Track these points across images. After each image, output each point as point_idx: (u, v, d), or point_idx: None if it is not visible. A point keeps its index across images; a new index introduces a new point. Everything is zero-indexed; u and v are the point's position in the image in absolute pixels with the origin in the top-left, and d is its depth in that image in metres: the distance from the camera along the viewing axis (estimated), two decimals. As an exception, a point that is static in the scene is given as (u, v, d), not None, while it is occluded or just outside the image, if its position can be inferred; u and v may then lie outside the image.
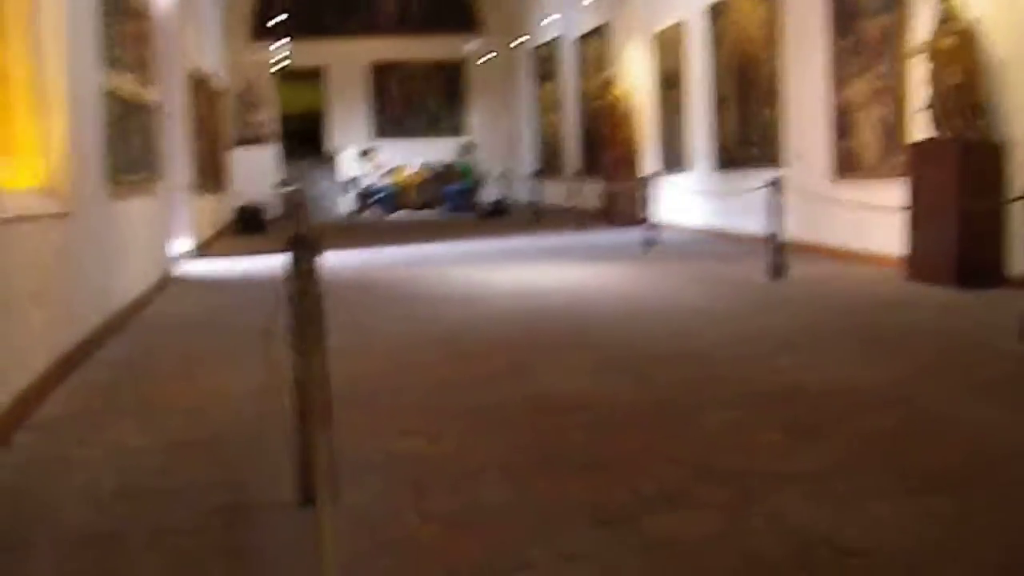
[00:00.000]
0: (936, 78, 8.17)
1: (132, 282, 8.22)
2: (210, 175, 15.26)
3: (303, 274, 3.27)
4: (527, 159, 22.97)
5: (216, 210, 16.83)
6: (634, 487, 3.54)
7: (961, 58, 7.91)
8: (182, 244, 12.09)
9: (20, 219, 4.99)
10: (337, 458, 3.48)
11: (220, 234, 16.77)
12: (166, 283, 10.07)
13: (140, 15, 9.13)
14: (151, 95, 9.46)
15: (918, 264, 8.43)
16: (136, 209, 8.57)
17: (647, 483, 3.58)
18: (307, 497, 3.33)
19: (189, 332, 7.48)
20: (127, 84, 8.24)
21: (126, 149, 7.95)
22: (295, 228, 3.37)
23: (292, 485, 3.44)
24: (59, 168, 6.04)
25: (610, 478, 3.67)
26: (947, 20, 8.05)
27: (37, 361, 5.13)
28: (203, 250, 13.31)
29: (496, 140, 25.17)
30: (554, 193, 20.21)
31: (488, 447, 4.17)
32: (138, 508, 3.54)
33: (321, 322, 3.61)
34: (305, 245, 3.38)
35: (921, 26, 8.66)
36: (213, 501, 3.56)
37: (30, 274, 5.19)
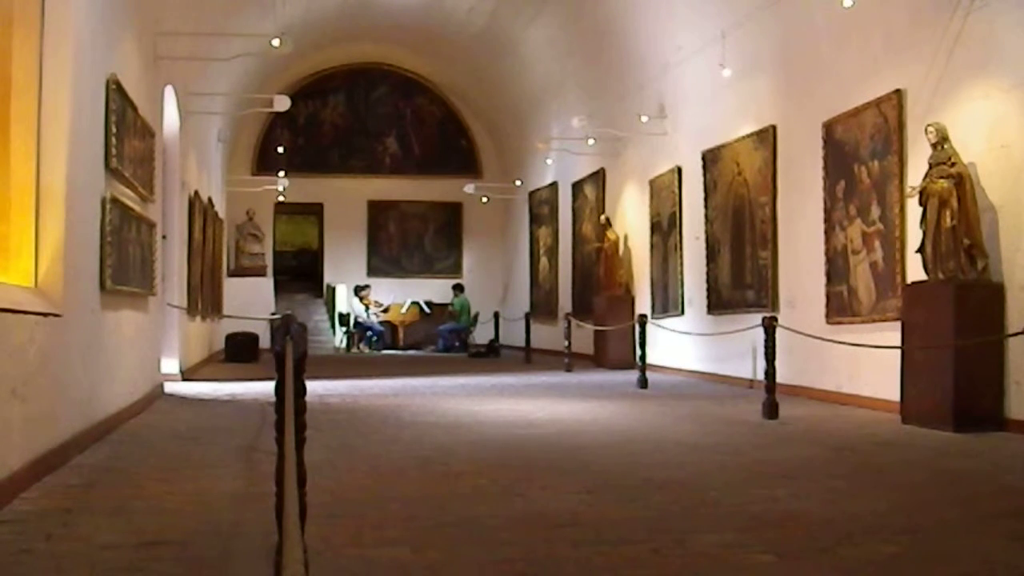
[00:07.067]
0: (930, 221, 8.24)
1: (119, 393, 8.08)
2: (204, 299, 15.23)
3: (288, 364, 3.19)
4: (520, 301, 23.02)
5: (208, 334, 16.73)
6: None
7: (955, 202, 7.98)
8: (170, 364, 11.96)
9: (5, 311, 4.91)
10: (315, 564, 3.32)
11: (211, 359, 16.65)
12: (155, 398, 9.92)
13: (147, 134, 9.23)
14: (150, 213, 9.50)
15: (913, 407, 8.33)
16: (127, 321, 8.49)
17: (638, 595, 3.43)
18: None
19: (173, 443, 7.31)
20: (127, 197, 8.27)
21: (122, 260, 7.92)
22: (283, 339, 3.28)
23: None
24: (52, 269, 6.00)
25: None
26: (941, 164, 8.16)
27: (11, 456, 4.97)
28: (190, 373, 13.16)
29: (490, 281, 25.28)
30: (546, 335, 20.19)
31: (474, 558, 4.02)
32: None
33: (303, 421, 3.51)
34: (289, 333, 3.32)
35: (915, 170, 8.79)
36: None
37: (12, 368, 5.07)
